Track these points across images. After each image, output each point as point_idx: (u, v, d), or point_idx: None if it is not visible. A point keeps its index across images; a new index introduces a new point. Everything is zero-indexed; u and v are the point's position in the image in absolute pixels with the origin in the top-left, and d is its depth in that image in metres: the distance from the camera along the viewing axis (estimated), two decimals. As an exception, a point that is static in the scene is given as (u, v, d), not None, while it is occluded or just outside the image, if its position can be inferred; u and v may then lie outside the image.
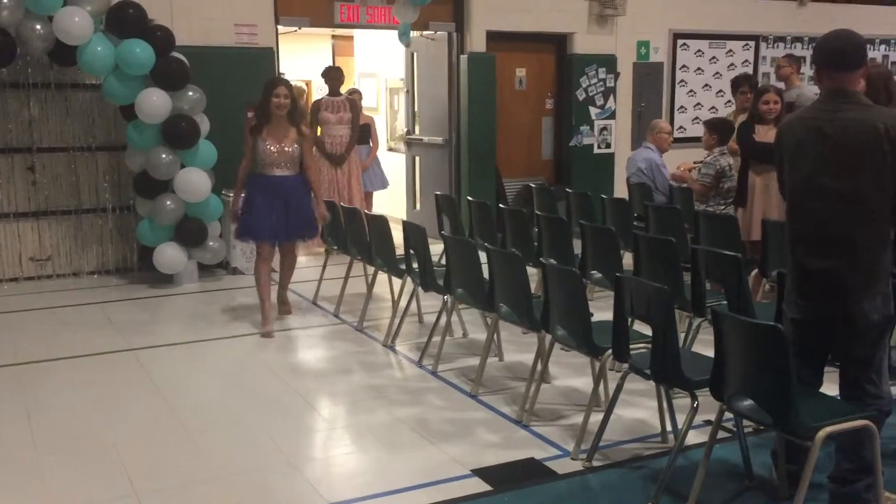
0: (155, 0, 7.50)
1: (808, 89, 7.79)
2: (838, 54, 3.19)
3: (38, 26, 6.70)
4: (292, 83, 8.46)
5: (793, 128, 3.35)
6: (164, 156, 7.15)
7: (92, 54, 6.84)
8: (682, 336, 4.58)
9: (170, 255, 7.37)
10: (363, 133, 8.96)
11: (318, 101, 8.77)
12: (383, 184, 9.44)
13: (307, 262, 8.42)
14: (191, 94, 7.24)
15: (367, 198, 9.08)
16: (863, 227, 3.13)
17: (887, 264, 3.17)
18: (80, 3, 6.72)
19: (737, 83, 7.79)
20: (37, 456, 4.05)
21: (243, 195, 6.12)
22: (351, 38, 12.12)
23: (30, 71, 7.49)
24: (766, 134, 5.96)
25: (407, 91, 10.31)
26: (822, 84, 3.26)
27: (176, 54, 7.21)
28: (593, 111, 10.12)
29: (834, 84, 3.20)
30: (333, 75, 8.68)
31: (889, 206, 3.11)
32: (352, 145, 8.56)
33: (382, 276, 6.38)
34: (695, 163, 7.07)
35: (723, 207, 6.55)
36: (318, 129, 8.51)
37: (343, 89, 8.90)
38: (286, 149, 5.87)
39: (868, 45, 3.28)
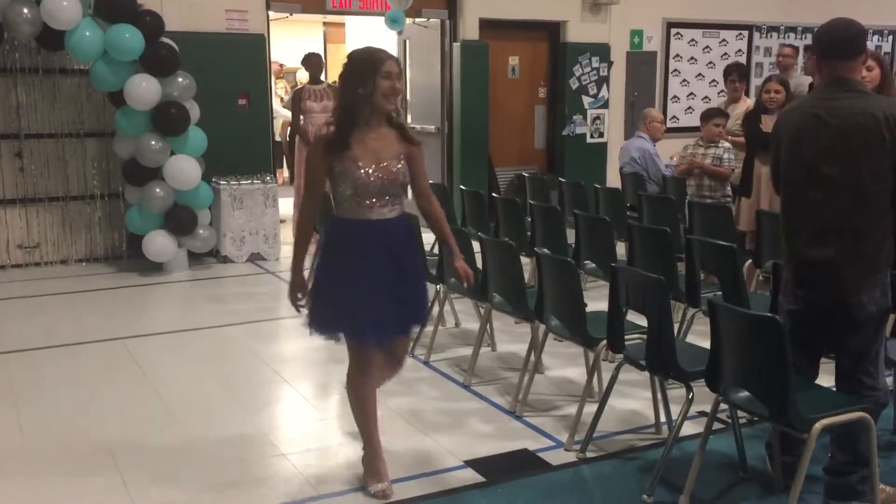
0: (144, -16, 7.42)
1: (803, 79, 7.78)
2: (837, 43, 3.17)
3: (26, 10, 6.60)
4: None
5: (791, 117, 3.32)
6: (153, 143, 7.07)
7: (80, 39, 6.75)
8: (675, 327, 4.56)
9: (159, 243, 7.30)
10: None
11: (300, 90, 8.68)
12: None
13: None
14: (180, 80, 7.16)
15: None
16: (863, 216, 3.10)
17: (887, 255, 3.15)
18: (68, -14, 6.64)
19: (727, 72, 7.78)
20: (24, 445, 4.00)
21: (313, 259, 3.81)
22: (343, 24, 12.04)
23: (17, 56, 7.39)
24: (772, 124, 5.91)
25: (399, 79, 10.23)
26: (821, 73, 3.23)
27: (165, 40, 7.12)
28: (586, 100, 10.08)
29: (833, 72, 3.17)
30: (315, 62, 8.56)
31: (889, 195, 3.08)
32: None
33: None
34: (692, 151, 6.97)
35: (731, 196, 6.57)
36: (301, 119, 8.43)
37: (336, 76, 8.81)
38: (392, 169, 3.37)
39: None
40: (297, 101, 8.47)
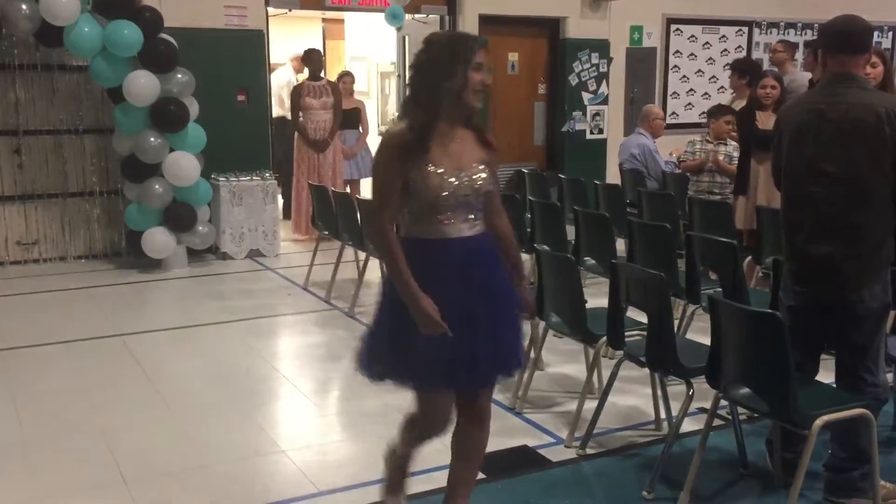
0: (143, -20, 7.40)
1: (801, 75, 7.76)
2: (843, 38, 3.15)
3: (24, 6, 6.58)
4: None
5: (793, 113, 3.30)
6: (152, 139, 7.06)
7: (79, 35, 6.73)
8: (675, 323, 4.55)
9: (158, 240, 7.29)
10: (353, 118, 8.87)
11: (298, 87, 8.66)
12: (371, 171, 9.27)
13: (297, 247, 8.37)
14: (179, 76, 7.14)
15: (354, 186, 8.94)
16: (864, 212, 3.09)
17: (888, 251, 3.14)
18: (67, -18, 6.62)
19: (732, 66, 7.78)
20: (23, 442, 3.99)
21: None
22: (342, 21, 12.03)
23: (16, 52, 7.36)
24: (767, 121, 5.89)
25: (398, 75, 10.22)
26: (825, 68, 3.22)
27: (164, 36, 7.10)
28: (586, 96, 10.06)
29: (837, 67, 3.16)
30: (315, 58, 8.55)
31: (889, 191, 3.07)
32: (335, 130, 8.46)
33: (374, 262, 6.33)
34: (701, 147, 6.94)
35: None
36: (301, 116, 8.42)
37: (334, 72, 8.81)
38: (474, 178, 2.82)
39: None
40: (296, 98, 8.45)
